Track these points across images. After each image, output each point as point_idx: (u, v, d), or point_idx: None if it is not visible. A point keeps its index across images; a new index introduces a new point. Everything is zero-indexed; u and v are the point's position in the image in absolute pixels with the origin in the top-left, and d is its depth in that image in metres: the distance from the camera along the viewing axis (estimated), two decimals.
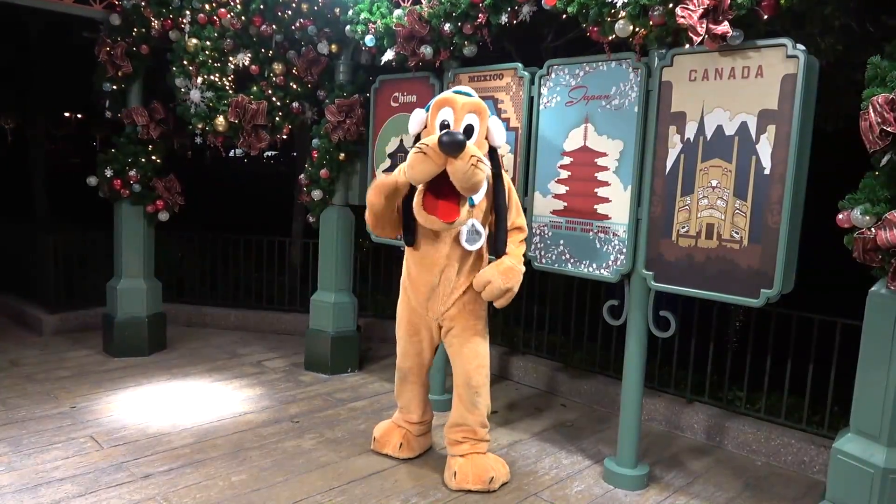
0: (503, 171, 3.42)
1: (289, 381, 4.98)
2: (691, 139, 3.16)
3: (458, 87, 3.45)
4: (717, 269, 3.11)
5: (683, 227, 3.21)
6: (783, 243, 2.90)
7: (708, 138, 3.10)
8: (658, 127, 3.26)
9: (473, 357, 3.42)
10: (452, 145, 2.94)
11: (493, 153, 3.33)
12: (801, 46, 2.83)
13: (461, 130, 3.18)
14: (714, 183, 3.10)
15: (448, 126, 3.21)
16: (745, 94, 2.98)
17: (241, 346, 5.83)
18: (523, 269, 3.38)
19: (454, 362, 3.48)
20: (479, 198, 3.32)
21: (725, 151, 3.05)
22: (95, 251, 6.32)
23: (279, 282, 6.49)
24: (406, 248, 3.49)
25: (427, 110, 3.36)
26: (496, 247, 3.37)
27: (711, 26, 2.92)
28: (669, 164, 3.24)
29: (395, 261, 5.76)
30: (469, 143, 3.03)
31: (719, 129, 3.07)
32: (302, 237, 7.15)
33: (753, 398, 4.18)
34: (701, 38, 2.94)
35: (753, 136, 2.97)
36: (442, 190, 3.10)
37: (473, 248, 3.32)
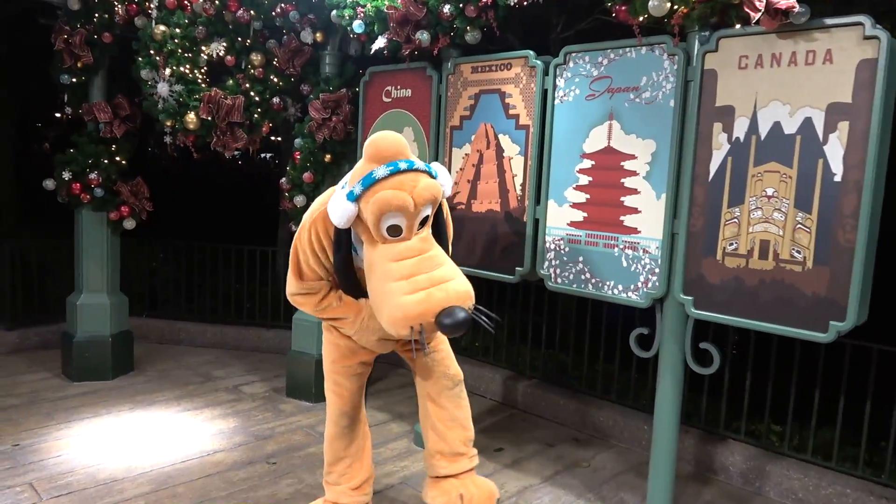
0: (445, 209, 2.74)
1: (267, 409, 4.43)
2: (741, 139, 2.63)
3: (389, 157, 2.35)
4: (773, 296, 2.58)
5: (731, 245, 2.68)
6: (858, 266, 2.38)
7: (762, 138, 2.58)
8: (699, 124, 2.74)
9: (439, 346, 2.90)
10: (457, 329, 2.22)
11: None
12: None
13: (416, 228, 2.37)
14: (770, 192, 2.57)
15: (400, 230, 2.33)
16: (810, 85, 2.46)
17: (216, 367, 5.28)
18: None
19: (416, 363, 2.90)
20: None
21: (784, 153, 2.53)
22: (60, 259, 5.76)
23: (262, 295, 5.94)
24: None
25: (353, 200, 2.32)
26: None
27: (772, 0, 2.39)
28: (714, 168, 2.72)
29: None
30: (467, 295, 2.30)
31: (776, 126, 2.54)
32: (287, 246, 6.58)
33: (799, 436, 3.64)
34: (759, 14, 2.42)
35: (820, 136, 2.44)
36: None
37: None
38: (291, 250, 2.62)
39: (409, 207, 2.28)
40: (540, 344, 4.82)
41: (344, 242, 2.49)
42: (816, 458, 3.51)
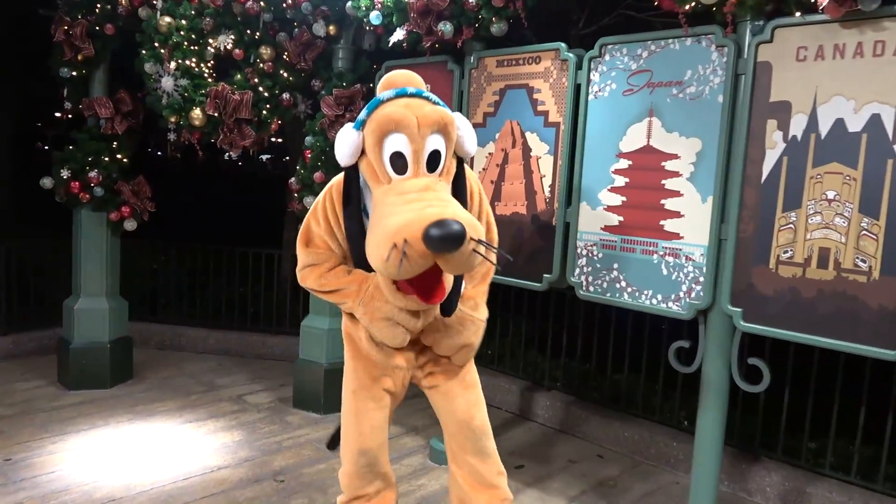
0: (477, 193, 2.38)
1: (273, 422, 4.21)
2: (798, 137, 2.42)
3: (399, 85, 2.14)
4: (834, 308, 2.36)
5: (786, 252, 2.47)
6: None
7: (822, 136, 2.37)
8: (751, 121, 2.52)
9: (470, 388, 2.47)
10: (448, 242, 1.80)
11: (460, 164, 2.23)
12: None
13: (424, 162, 2.05)
14: (831, 195, 2.36)
15: (404, 161, 2.03)
16: (879, 78, 2.24)
17: (220, 375, 5.05)
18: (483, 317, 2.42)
19: (440, 407, 2.49)
20: None
21: (848, 153, 2.31)
22: (57, 261, 5.54)
23: (266, 299, 5.72)
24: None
25: (358, 128, 2.09)
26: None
27: None
28: (767, 169, 2.50)
29: None
30: (468, 223, 1.88)
31: (839, 124, 2.33)
32: (293, 248, 6.36)
33: (842, 455, 3.42)
34: (825, 1, 2.21)
35: (890, 134, 2.23)
36: None
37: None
38: (304, 221, 2.36)
39: (411, 125, 2.00)
40: (559, 353, 4.60)
41: (354, 196, 2.18)
42: (859, 478, 3.30)
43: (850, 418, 3.35)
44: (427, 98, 2.12)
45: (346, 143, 2.07)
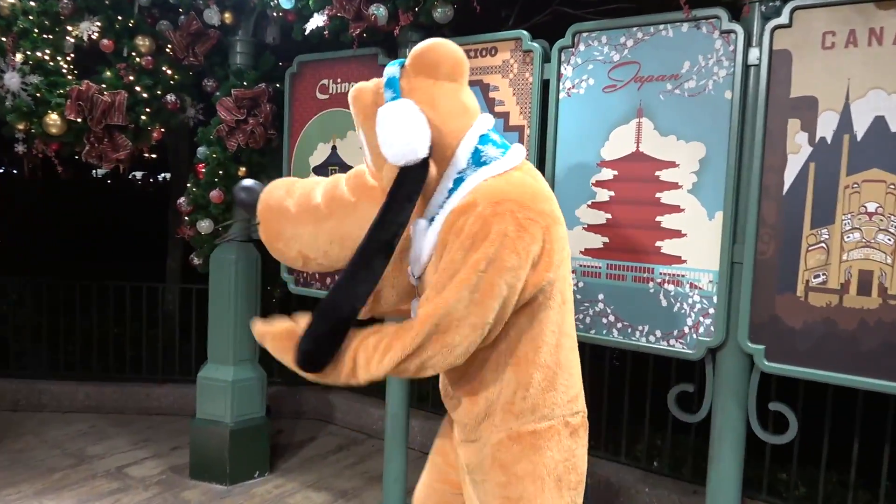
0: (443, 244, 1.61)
1: (166, 500, 3.38)
2: (828, 139, 2.03)
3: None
4: (881, 342, 1.97)
5: (817, 276, 2.06)
6: None
7: (858, 138, 1.98)
8: (768, 121, 2.11)
9: None
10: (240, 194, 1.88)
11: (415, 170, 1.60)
12: None
13: (368, 156, 1.73)
14: (871, 207, 1.97)
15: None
16: None
17: (93, 441, 4.11)
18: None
19: None
20: (420, 261, 1.68)
21: (891, 157, 1.94)
22: None
23: (150, 341, 4.80)
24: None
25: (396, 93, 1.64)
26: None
27: None
28: (790, 178, 2.09)
29: None
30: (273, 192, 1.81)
31: (879, 122, 1.95)
32: (180, 281, 5.47)
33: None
34: None
35: None
36: None
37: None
38: (482, 281, 1.48)
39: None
40: None
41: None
42: None
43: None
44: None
45: (413, 121, 1.58)
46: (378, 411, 4.33)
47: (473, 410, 1.65)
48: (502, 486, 1.62)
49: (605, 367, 3.60)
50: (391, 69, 1.67)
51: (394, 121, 1.57)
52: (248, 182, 1.87)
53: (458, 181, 1.62)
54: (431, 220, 1.65)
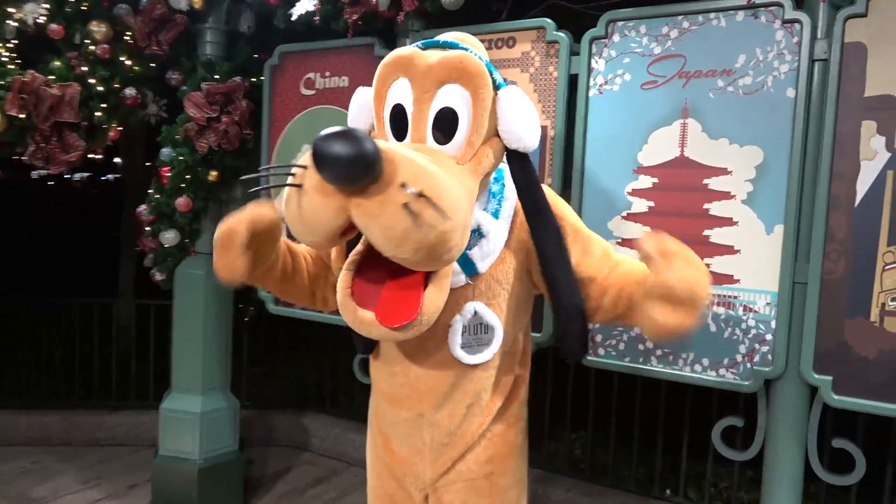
0: (541, 193, 1.60)
1: None
2: None
3: (443, 37, 1.55)
4: None
5: (895, 300, 1.83)
6: None
7: None
8: (839, 123, 1.87)
9: None
10: (334, 160, 1.17)
11: (515, 159, 1.56)
12: None
13: (429, 123, 1.46)
14: None
15: (404, 116, 1.48)
16: None
17: (36, 480, 3.63)
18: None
19: None
20: (492, 256, 1.59)
21: None
22: None
23: (101, 363, 4.32)
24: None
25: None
26: (563, 327, 1.64)
27: None
28: (863, 188, 1.85)
29: (302, 327, 3.81)
30: (387, 147, 1.26)
31: None
32: (134, 296, 4.98)
33: None
34: None
35: None
36: (382, 259, 1.34)
37: (475, 359, 1.59)
38: None
39: (418, 66, 1.45)
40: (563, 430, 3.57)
41: None
42: None
43: None
44: (454, 45, 1.51)
45: (358, 101, 1.61)
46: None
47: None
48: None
49: (637, 397, 3.28)
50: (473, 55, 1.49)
51: (531, 106, 1.54)
52: (337, 129, 1.20)
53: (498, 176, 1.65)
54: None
